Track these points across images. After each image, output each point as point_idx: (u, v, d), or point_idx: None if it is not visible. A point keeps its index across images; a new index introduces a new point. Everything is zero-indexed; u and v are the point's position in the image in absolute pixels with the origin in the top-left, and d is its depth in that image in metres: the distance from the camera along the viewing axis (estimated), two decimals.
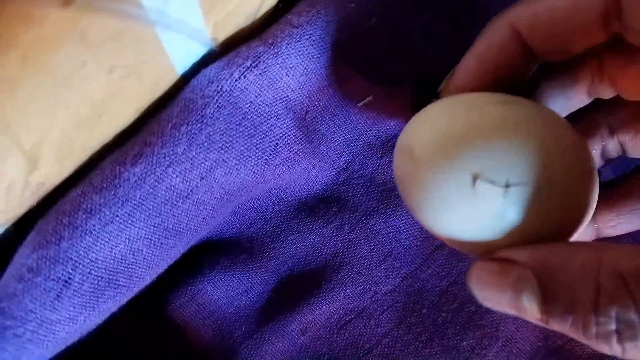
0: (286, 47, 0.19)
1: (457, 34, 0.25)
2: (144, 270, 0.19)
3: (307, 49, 0.20)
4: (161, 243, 0.19)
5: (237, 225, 0.23)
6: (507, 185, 0.15)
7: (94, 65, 0.13)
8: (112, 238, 0.17)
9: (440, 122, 0.16)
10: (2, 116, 0.12)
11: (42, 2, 0.10)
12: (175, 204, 0.18)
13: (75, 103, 0.14)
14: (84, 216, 0.17)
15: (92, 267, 0.17)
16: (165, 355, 0.22)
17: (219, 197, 0.20)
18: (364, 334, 0.23)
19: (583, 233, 0.18)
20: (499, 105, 0.16)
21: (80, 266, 0.17)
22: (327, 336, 0.23)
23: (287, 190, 0.23)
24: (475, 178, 0.15)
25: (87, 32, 0.12)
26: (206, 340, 0.22)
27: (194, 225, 0.20)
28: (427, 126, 0.17)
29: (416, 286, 0.23)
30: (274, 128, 0.20)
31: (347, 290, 0.23)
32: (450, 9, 0.25)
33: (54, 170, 0.16)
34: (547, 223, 0.16)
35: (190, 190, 0.18)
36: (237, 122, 0.19)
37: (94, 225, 0.17)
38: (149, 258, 0.19)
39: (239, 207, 0.23)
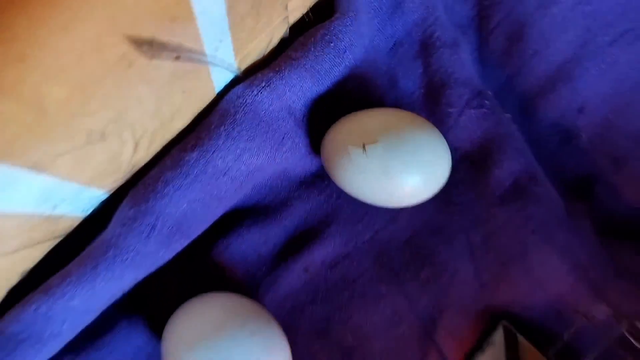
0: (288, 73, 0.29)
1: None
2: (198, 223, 0.28)
3: (302, 73, 0.29)
4: (209, 205, 0.28)
5: (256, 197, 0.32)
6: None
7: (177, 88, 0.23)
8: (179, 199, 0.26)
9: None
10: (130, 113, 0.21)
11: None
12: (218, 178, 0.28)
13: (165, 108, 0.23)
14: (162, 185, 0.26)
15: (168, 219, 0.26)
16: (208, 289, 0.31)
17: (245, 174, 0.29)
18: (350, 270, 0.32)
19: None
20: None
21: (161, 217, 0.26)
22: (323, 273, 0.32)
23: (291, 171, 0.32)
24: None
25: (178, 69, 0.21)
26: (237, 278, 0.31)
27: (229, 194, 0.29)
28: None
29: (386, 236, 0.33)
30: (281, 127, 0.29)
31: (337, 240, 0.32)
32: None
33: (144, 155, 0.26)
34: None
35: (227, 169, 0.28)
36: (257, 123, 0.28)
37: (168, 191, 0.26)
38: (202, 215, 0.28)
39: (257, 185, 0.32)
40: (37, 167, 0.17)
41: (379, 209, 0.33)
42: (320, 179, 0.32)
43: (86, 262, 0.25)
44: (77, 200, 0.23)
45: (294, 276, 0.32)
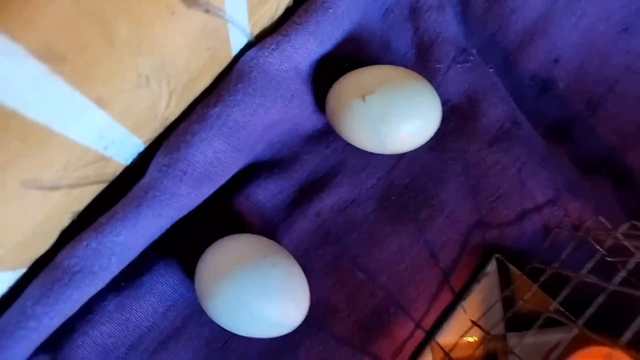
0: (294, 36, 0.32)
1: None
2: (222, 171, 0.32)
3: (306, 37, 0.33)
4: (231, 155, 0.32)
5: (272, 152, 0.36)
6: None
7: (203, 44, 0.26)
8: (205, 149, 0.30)
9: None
10: (168, 62, 0.25)
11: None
12: (238, 130, 0.31)
13: (193, 64, 0.27)
14: (190, 136, 0.30)
15: (197, 165, 0.30)
16: (232, 234, 0.35)
17: (261, 128, 0.33)
18: (356, 214, 0.36)
19: None
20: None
21: (191, 164, 0.30)
22: (333, 217, 0.36)
23: (301, 128, 0.36)
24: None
25: (206, 25, 0.25)
26: (257, 224, 0.35)
27: (248, 147, 0.33)
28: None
29: (388, 182, 0.37)
30: (290, 85, 0.33)
31: (344, 188, 0.36)
32: None
33: (173, 110, 0.29)
34: None
35: (246, 122, 0.31)
36: (268, 82, 0.32)
37: (195, 141, 0.30)
38: (225, 164, 0.32)
39: (272, 141, 0.35)
40: (99, 101, 0.21)
41: (381, 159, 0.36)
42: (326, 135, 0.36)
43: (130, 203, 0.28)
44: (123, 145, 0.27)
45: (307, 221, 0.35)
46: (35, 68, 0.16)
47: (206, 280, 0.30)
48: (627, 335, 0.26)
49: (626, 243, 0.29)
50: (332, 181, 0.36)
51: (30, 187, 0.21)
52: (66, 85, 0.18)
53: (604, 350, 0.34)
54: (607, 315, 0.30)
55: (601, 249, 0.31)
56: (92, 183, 0.27)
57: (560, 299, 0.30)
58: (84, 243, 0.28)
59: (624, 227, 0.31)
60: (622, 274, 0.28)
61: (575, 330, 0.28)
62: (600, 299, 0.28)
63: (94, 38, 0.18)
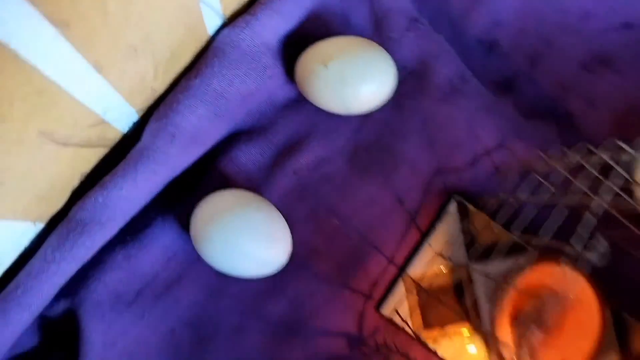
0: (261, 15, 0.37)
1: None
2: (207, 136, 0.37)
3: (272, 15, 0.38)
4: (213, 121, 0.36)
5: (251, 121, 0.41)
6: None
7: (182, 21, 0.31)
8: (190, 115, 0.35)
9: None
10: (153, 35, 0.30)
11: None
12: (217, 99, 0.36)
13: (174, 38, 0.32)
14: (176, 104, 0.35)
15: (183, 130, 0.35)
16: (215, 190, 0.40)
17: (239, 97, 0.37)
18: (329, 170, 0.41)
19: None
20: None
21: (179, 128, 0.34)
22: (309, 174, 0.41)
23: (275, 98, 0.41)
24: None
25: (182, 2, 0.30)
26: (241, 184, 0.40)
27: (229, 114, 0.37)
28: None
29: (356, 141, 0.41)
30: (262, 59, 0.38)
31: (317, 148, 0.41)
32: None
33: (160, 82, 0.34)
34: None
35: (224, 91, 0.36)
36: (242, 56, 0.37)
37: (181, 109, 0.35)
38: (209, 129, 0.36)
39: (250, 111, 0.40)
40: (97, 65, 0.26)
41: (348, 121, 0.41)
42: (299, 103, 0.41)
43: (129, 162, 0.33)
44: (119, 112, 0.32)
45: (286, 178, 0.40)
46: (49, 30, 0.21)
47: (199, 228, 0.35)
48: (517, 225, 0.32)
49: (556, 165, 0.34)
50: (306, 143, 0.41)
51: (46, 139, 0.26)
52: (72, 48, 0.23)
53: (554, 267, 0.38)
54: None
55: (536, 174, 0.36)
56: (96, 146, 0.32)
57: (518, 226, 0.35)
58: (92, 198, 0.33)
59: (555, 153, 0.36)
60: (547, 194, 0.33)
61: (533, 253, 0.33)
62: (532, 213, 0.33)
63: (91, 8, 0.22)
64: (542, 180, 0.35)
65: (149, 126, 0.34)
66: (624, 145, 0.30)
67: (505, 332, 0.38)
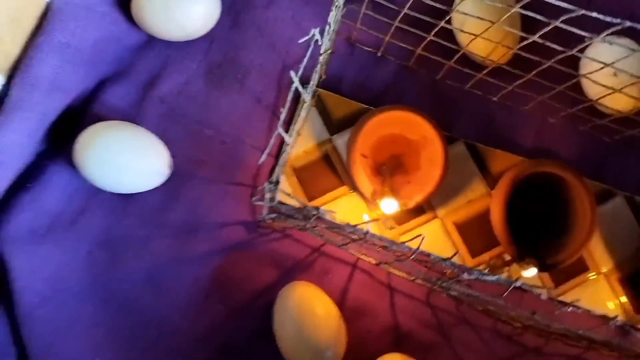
0: None
1: None
2: (67, 83, 0.42)
3: None
4: (70, 70, 0.42)
5: (112, 67, 0.45)
6: None
7: None
8: (43, 66, 0.41)
9: None
10: None
11: None
12: (65, 49, 0.41)
13: (11, 6, 0.38)
14: (29, 60, 0.40)
15: (41, 79, 0.41)
16: None
17: (88, 46, 0.43)
18: (191, 90, 0.47)
19: None
20: None
21: (37, 78, 0.40)
22: (174, 99, 0.46)
23: (125, 41, 0.44)
24: None
25: None
26: (117, 117, 0.46)
27: (84, 62, 0.43)
28: None
29: (207, 61, 0.47)
30: (97, 8, 0.43)
31: (174, 74, 0.47)
32: None
33: (11, 45, 0.40)
34: None
35: (69, 42, 0.42)
36: (77, 8, 0.42)
37: (34, 63, 0.40)
38: (69, 78, 0.42)
39: (107, 58, 0.45)
40: None
41: (196, 46, 0.48)
42: (149, 43, 0.47)
43: (1, 113, 0.39)
44: None
45: (156, 107, 0.46)
46: None
47: (82, 150, 0.41)
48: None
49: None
50: (165, 74, 0.47)
51: None
52: None
53: (396, 114, 0.45)
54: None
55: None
56: None
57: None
58: None
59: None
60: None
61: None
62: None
63: None
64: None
65: (12, 82, 0.41)
66: None
67: (366, 181, 0.45)
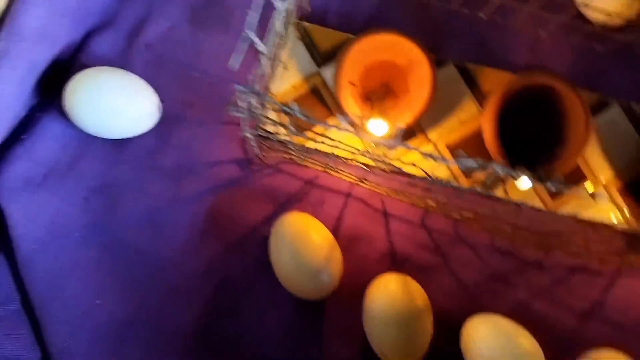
0: None
1: None
2: (56, 34, 0.43)
3: None
4: (56, 20, 0.43)
5: (98, 19, 0.47)
6: None
7: None
8: (28, 17, 0.42)
9: None
10: None
11: None
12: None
13: None
14: (14, 13, 0.41)
15: (26, 29, 0.42)
16: None
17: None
18: (176, 35, 0.47)
19: None
20: None
21: (24, 28, 0.41)
22: (160, 44, 0.47)
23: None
24: None
25: None
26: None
27: (70, 13, 0.44)
28: None
29: (190, 4, 0.48)
30: None
31: (160, 20, 0.47)
32: None
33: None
34: None
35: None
36: None
37: (19, 15, 0.42)
38: (57, 28, 0.43)
39: (93, 9, 0.46)
40: None
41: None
42: None
43: None
44: None
45: (142, 55, 0.46)
46: None
47: (72, 95, 0.42)
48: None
49: None
50: (150, 20, 0.47)
51: None
52: None
53: (383, 38, 0.44)
54: None
55: None
56: None
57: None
58: None
59: None
60: None
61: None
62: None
63: None
64: None
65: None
66: None
67: (355, 107, 0.44)
